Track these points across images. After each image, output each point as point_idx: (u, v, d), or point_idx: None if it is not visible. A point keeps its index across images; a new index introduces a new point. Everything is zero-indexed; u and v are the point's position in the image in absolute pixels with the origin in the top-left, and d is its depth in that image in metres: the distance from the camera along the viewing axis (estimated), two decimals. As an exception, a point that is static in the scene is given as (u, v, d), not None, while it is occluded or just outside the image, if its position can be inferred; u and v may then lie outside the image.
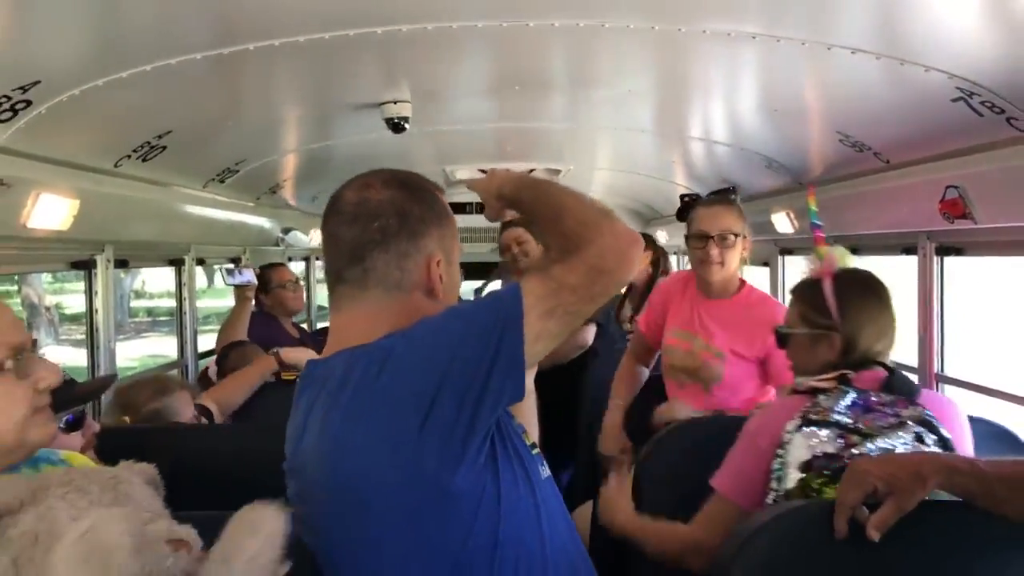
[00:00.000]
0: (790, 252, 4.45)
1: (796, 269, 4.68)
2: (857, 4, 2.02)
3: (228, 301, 4.04)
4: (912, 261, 3.10)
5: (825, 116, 2.96)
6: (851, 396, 1.66)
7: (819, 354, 1.83)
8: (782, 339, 1.96)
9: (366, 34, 2.20)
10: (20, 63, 1.99)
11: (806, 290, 1.91)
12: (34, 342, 1.26)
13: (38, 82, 2.07)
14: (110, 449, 1.52)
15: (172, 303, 4.30)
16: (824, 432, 1.61)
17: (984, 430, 2.32)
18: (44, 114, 2.21)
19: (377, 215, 1.28)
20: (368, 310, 1.29)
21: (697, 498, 1.84)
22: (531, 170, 6.04)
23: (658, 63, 2.69)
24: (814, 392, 1.71)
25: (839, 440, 1.61)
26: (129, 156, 2.85)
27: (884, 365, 1.78)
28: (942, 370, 3.02)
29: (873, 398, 1.67)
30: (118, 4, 1.92)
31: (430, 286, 1.31)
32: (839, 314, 1.81)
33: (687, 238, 2.72)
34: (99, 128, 2.58)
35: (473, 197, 6.03)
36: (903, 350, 3.26)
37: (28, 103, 2.13)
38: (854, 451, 1.59)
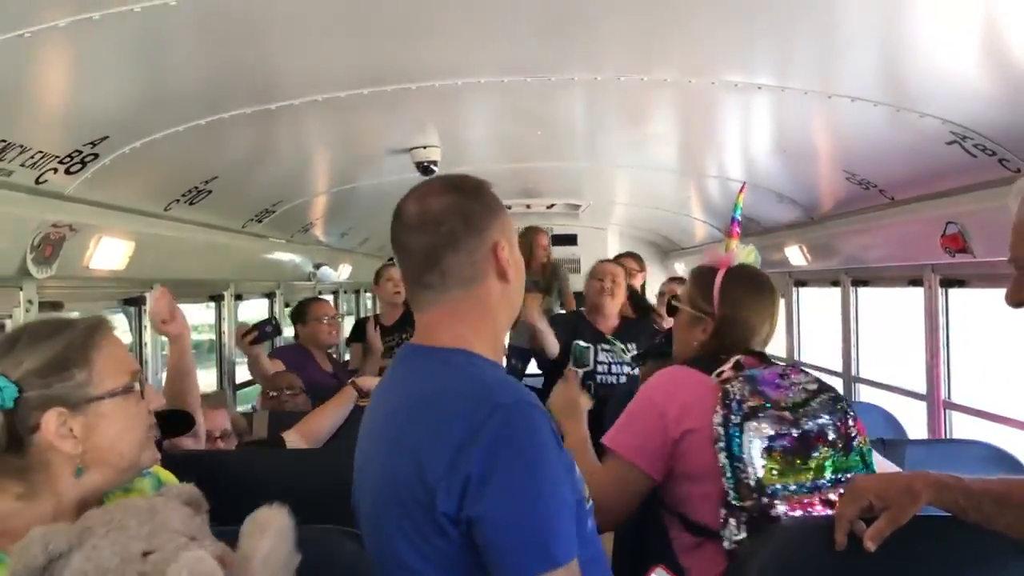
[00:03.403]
0: (804, 284, 4.58)
1: (809, 300, 4.81)
2: (854, 58, 2.20)
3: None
4: (918, 293, 3.23)
5: (831, 156, 3.12)
6: (755, 378, 1.81)
7: (694, 334, 2.00)
8: (671, 311, 2.15)
9: (402, 89, 2.40)
10: (91, 120, 2.21)
11: (700, 276, 2.04)
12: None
13: (106, 137, 2.28)
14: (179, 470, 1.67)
15: (202, 336, 4.49)
16: (764, 420, 1.75)
17: (987, 453, 2.45)
18: (108, 165, 2.42)
19: (442, 220, 1.37)
20: (449, 309, 1.39)
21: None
22: (551, 205, 6.24)
23: (672, 110, 2.88)
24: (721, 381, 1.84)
25: (779, 423, 1.75)
26: (178, 200, 3.06)
27: (757, 352, 1.95)
28: (949, 397, 3.13)
29: (767, 373, 1.82)
30: (180, 66, 2.13)
31: (501, 270, 1.39)
32: (719, 303, 1.96)
33: None
34: (154, 176, 2.80)
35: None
36: (911, 378, 3.40)
37: (96, 156, 2.34)
38: (795, 428, 1.75)
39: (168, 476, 1.47)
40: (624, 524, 2.65)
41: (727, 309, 1.95)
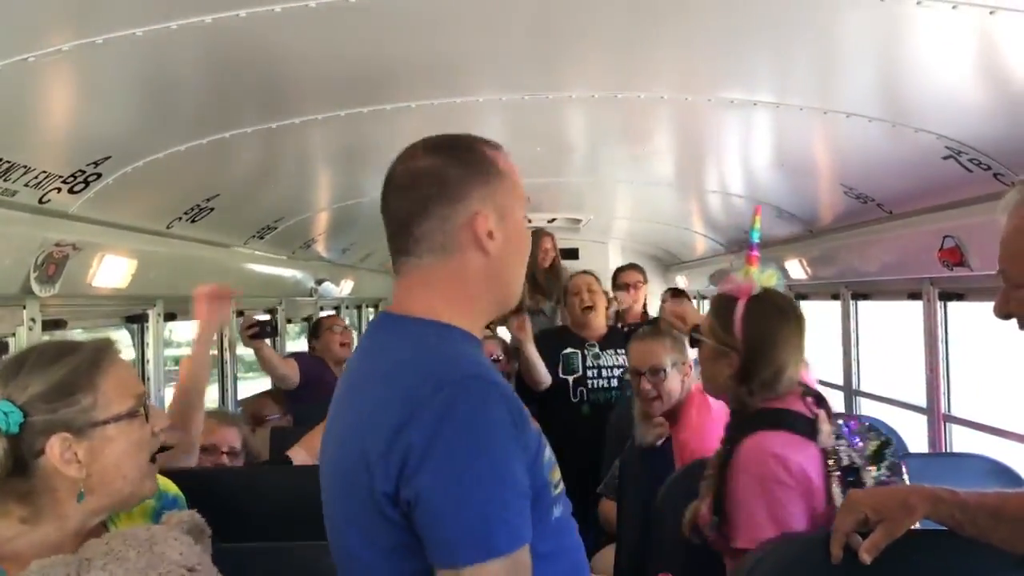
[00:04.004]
0: (804, 297, 4.59)
1: (810, 314, 4.81)
2: (849, 75, 2.22)
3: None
4: (917, 306, 3.24)
5: (829, 171, 3.14)
6: (846, 439, 1.78)
7: (720, 368, 1.88)
8: (694, 343, 2.03)
9: (401, 108, 2.43)
10: (94, 141, 2.23)
11: (721, 306, 1.93)
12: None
13: (109, 157, 2.31)
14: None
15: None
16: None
17: (987, 466, 2.46)
18: (111, 184, 2.44)
19: (417, 184, 1.27)
20: (422, 277, 1.30)
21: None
22: (552, 219, 6.27)
23: (670, 127, 2.91)
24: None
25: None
26: (180, 218, 3.08)
27: (814, 392, 1.86)
28: (949, 410, 3.14)
29: (850, 435, 1.79)
30: (181, 87, 2.17)
31: (478, 242, 1.27)
32: (742, 336, 1.85)
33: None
34: (156, 194, 2.82)
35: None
36: (912, 391, 3.40)
37: (99, 175, 2.37)
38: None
39: (166, 483, 1.49)
40: (626, 532, 2.67)
41: (753, 342, 1.83)
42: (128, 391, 1.33)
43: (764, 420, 1.79)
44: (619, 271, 4.62)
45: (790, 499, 1.69)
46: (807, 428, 1.77)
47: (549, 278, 5.44)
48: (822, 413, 1.79)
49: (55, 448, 1.24)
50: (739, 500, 1.73)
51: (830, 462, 1.74)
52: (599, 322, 3.81)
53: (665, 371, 2.63)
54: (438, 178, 1.27)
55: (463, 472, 1.12)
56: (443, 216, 1.26)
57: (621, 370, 3.73)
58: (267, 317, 4.66)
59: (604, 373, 3.75)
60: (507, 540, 1.12)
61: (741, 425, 1.82)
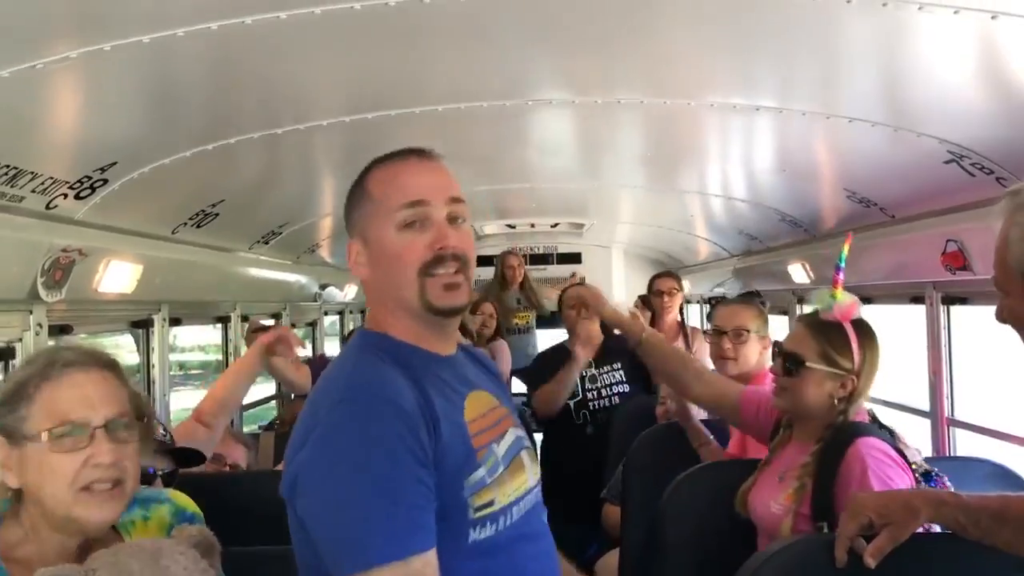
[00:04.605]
0: (805, 301, 4.59)
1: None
2: (851, 79, 2.23)
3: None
4: (920, 310, 3.24)
5: (832, 175, 3.15)
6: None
7: (825, 391, 1.97)
8: (788, 371, 2.02)
9: (405, 114, 2.44)
10: (101, 147, 2.25)
11: (831, 332, 2.00)
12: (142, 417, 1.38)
13: (115, 163, 2.32)
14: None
15: (201, 357, 4.53)
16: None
17: (990, 470, 2.45)
18: (117, 190, 2.46)
19: None
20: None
21: (716, 533, 1.99)
22: (555, 224, 6.29)
23: (672, 132, 2.91)
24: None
25: None
26: (185, 223, 3.10)
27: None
28: (952, 414, 3.14)
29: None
30: (187, 94, 2.18)
31: (355, 270, 1.38)
32: (860, 359, 1.97)
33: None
34: (162, 199, 2.84)
35: (499, 251, 6.23)
36: (914, 395, 3.40)
37: (105, 181, 2.38)
38: None
39: (185, 501, 1.49)
40: (629, 542, 2.67)
41: (867, 365, 1.97)
42: (57, 415, 1.26)
43: (863, 428, 1.92)
44: (654, 278, 4.48)
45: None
46: (886, 436, 1.92)
47: (526, 294, 5.50)
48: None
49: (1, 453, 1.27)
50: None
51: (913, 465, 1.88)
52: (596, 331, 3.74)
53: (748, 332, 2.72)
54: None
55: (337, 487, 1.16)
56: (347, 240, 1.39)
57: (620, 385, 3.72)
58: (271, 322, 4.67)
59: (604, 392, 3.69)
60: (388, 550, 1.14)
61: (839, 434, 1.92)
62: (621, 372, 3.70)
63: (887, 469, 1.82)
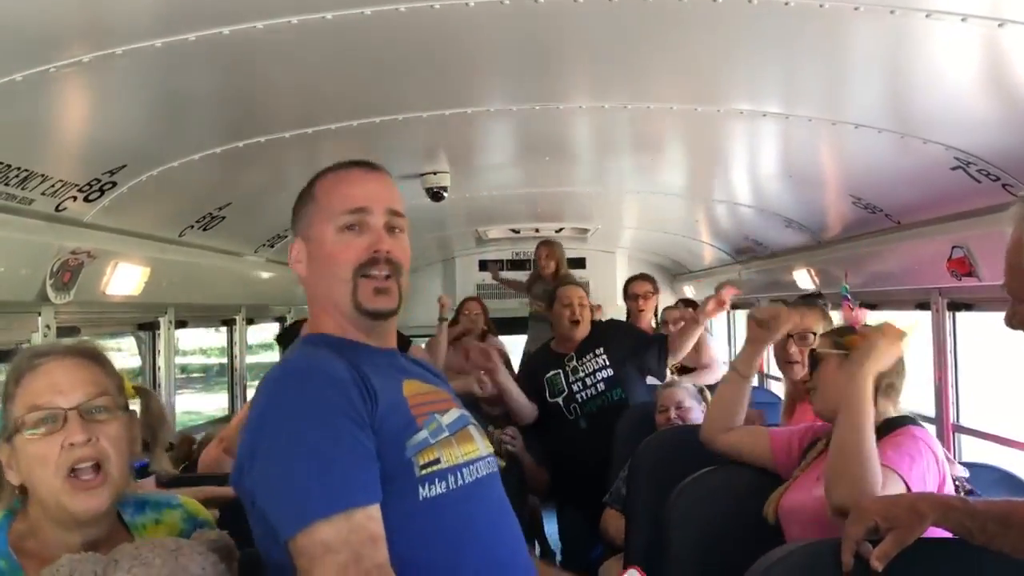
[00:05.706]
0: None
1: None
2: (858, 86, 2.24)
3: (261, 357, 4.27)
4: (925, 316, 3.24)
5: (838, 181, 3.15)
6: None
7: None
8: (812, 361, 2.13)
9: (412, 118, 2.45)
10: (110, 150, 2.27)
11: (839, 328, 2.14)
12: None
13: (124, 166, 2.34)
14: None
15: (204, 360, 4.55)
16: None
17: (996, 476, 2.45)
18: (125, 193, 2.47)
19: None
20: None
21: (720, 538, 1.99)
22: (559, 229, 6.28)
23: (679, 137, 2.93)
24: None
25: None
26: (192, 226, 3.11)
27: None
28: (957, 420, 3.14)
29: None
30: (196, 98, 2.19)
31: (296, 270, 1.45)
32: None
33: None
34: (170, 203, 2.85)
35: (503, 255, 6.24)
36: (920, 401, 3.39)
37: (114, 184, 2.40)
38: None
39: (197, 507, 1.49)
40: (633, 547, 2.66)
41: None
42: (30, 403, 1.28)
43: (907, 420, 2.01)
44: (629, 281, 4.54)
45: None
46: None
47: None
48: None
49: (2, 454, 1.30)
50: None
51: (955, 481, 2.03)
52: (581, 333, 3.75)
53: (813, 335, 2.66)
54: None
55: (277, 455, 1.21)
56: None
57: (604, 370, 3.67)
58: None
59: (588, 381, 3.66)
60: (327, 502, 1.17)
61: (891, 424, 1.99)
62: (604, 357, 3.65)
63: (932, 463, 1.90)
